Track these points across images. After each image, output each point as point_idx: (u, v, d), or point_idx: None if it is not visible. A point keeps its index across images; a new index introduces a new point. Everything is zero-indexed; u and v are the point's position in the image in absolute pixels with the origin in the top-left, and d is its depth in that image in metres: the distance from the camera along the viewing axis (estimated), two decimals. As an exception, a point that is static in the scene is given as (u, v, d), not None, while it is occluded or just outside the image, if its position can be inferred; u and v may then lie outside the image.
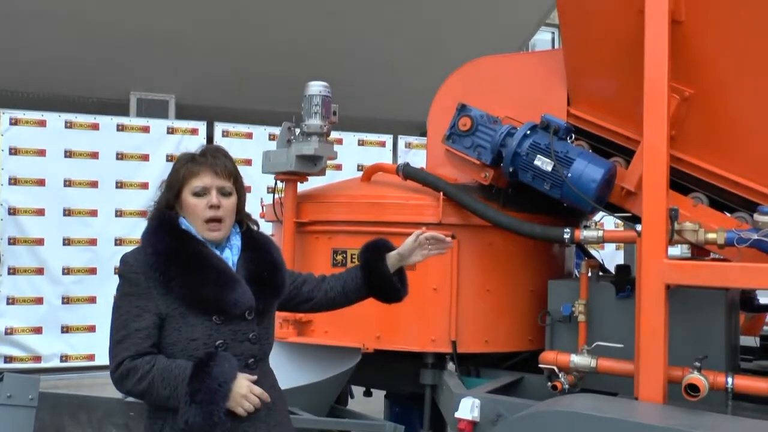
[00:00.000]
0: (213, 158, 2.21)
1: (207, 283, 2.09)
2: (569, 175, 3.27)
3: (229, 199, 2.20)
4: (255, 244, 2.30)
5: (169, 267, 2.07)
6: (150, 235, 2.13)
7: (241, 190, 2.27)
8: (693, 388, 2.79)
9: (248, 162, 7.80)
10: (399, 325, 3.79)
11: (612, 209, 3.43)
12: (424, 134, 4.83)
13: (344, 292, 2.51)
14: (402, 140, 9.23)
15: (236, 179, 2.24)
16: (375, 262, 2.50)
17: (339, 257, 3.82)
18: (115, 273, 8.17)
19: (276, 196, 4.12)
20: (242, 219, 2.32)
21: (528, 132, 3.46)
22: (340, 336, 3.83)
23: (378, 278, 2.50)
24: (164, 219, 2.16)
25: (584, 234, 3.36)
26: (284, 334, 3.82)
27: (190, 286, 2.07)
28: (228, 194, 2.20)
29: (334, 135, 6.81)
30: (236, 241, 2.26)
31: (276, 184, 4.08)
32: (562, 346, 3.49)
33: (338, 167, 8.27)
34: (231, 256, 2.22)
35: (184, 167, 2.19)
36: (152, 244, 2.10)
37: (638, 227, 2.95)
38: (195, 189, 2.17)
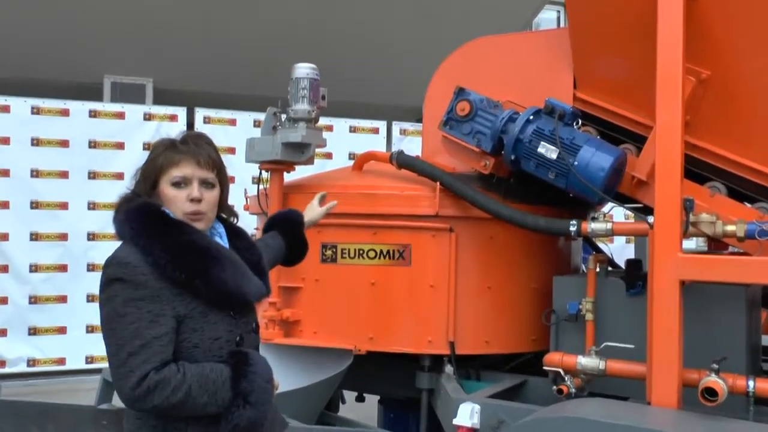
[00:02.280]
0: (195, 146, 2.17)
1: (228, 276, 2.09)
2: (576, 163, 3.26)
3: (212, 192, 2.18)
4: (238, 233, 2.33)
5: (188, 263, 2.03)
6: (145, 231, 2.05)
7: (224, 182, 2.25)
8: (710, 393, 2.78)
9: (231, 150, 7.78)
10: (393, 325, 3.79)
11: (622, 200, 3.42)
12: (419, 120, 4.82)
13: (276, 260, 2.78)
14: (396, 126, 9.21)
15: (220, 170, 2.22)
16: (297, 231, 2.88)
17: (329, 252, 3.82)
18: (90, 270, 8.09)
19: (261, 186, 4.11)
20: (224, 213, 2.32)
21: (531, 117, 3.45)
22: (330, 337, 3.83)
23: (297, 244, 2.87)
24: (152, 211, 2.11)
25: (592, 226, 3.36)
26: (270, 335, 3.82)
27: (216, 281, 2.05)
28: (211, 186, 2.18)
29: (323, 121, 6.80)
30: (221, 229, 2.27)
31: (261, 174, 4.07)
32: (569, 347, 3.49)
33: (328, 156, 8.24)
34: (223, 243, 2.23)
35: (162, 155, 2.15)
36: (156, 241, 2.03)
37: (650, 219, 2.95)
38: (174, 179, 2.13)
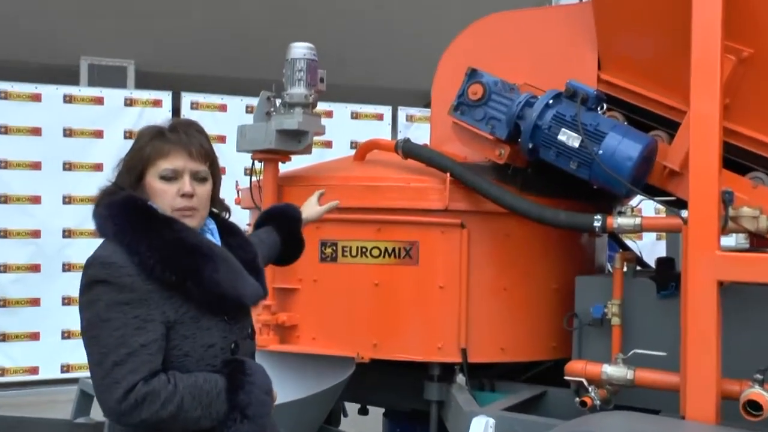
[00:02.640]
0: (186, 135, 2.16)
1: (222, 277, 2.08)
2: (600, 151, 3.25)
3: (204, 186, 2.17)
4: (230, 229, 2.33)
5: (179, 263, 2.02)
6: (131, 227, 2.03)
7: (217, 175, 2.24)
8: (754, 406, 2.76)
9: (221, 139, 7.77)
10: (399, 330, 3.78)
11: (652, 192, 3.40)
12: (428, 105, 4.81)
13: (269, 258, 2.80)
14: (402, 112, 9.21)
15: (213, 162, 2.21)
16: (294, 229, 2.91)
17: (328, 250, 3.81)
18: (65, 270, 8.12)
19: (254, 178, 4.11)
20: (216, 208, 2.31)
21: (551, 101, 3.44)
22: (330, 343, 3.82)
23: (293, 243, 2.91)
24: (138, 205, 2.09)
25: (618, 222, 3.34)
26: (264, 341, 3.81)
27: (209, 283, 2.05)
28: (203, 180, 2.17)
29: (322, 106, 6.80)
30: (212, 225, 2.27)
31: (253, 164, 4.07)
32: (593, 355, 3.48)
33: (327, 144, 8.25)
34: (215, 241, 2.23)
35: (149, 144, 2.13)
36: (143, 238, 2.01)
37: (684, 213, 2.93)
38: (163, 172, 2.11)
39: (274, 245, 2.80)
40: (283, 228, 2.86)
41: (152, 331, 1.96)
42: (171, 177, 2.11)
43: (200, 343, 2.05)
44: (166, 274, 1.99)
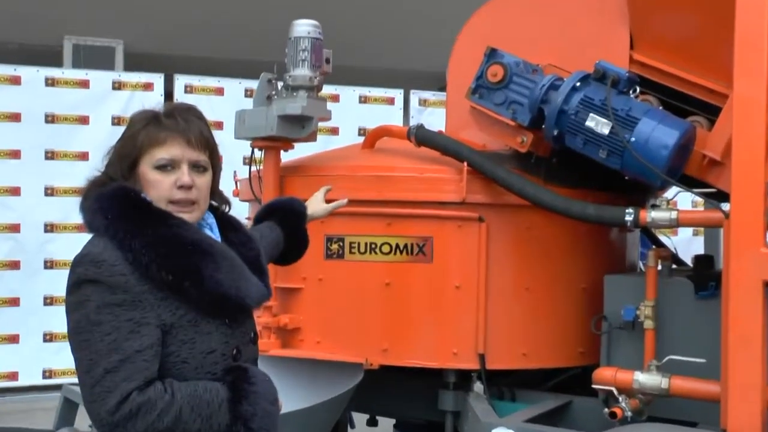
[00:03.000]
0: (185, 121, 2.15)
1: (224, 277, 2.08)
2: (633, 139, 3.24)
3: (204, 177, 2.17)
4: (231, 224, 2.33)
5: (176, 262, 2.01)
6: (123, 221, 2.03)
7: (217, 165, 2.24)
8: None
9: (218, 125, 7.73)
10: (412, 333, 3.78)
11: (689, 183, 3.40)
12: (443, 88, 4.80)
13: (271, 255, 2.79)
14: (415, 96, 9.19)
15: (213, 151, 2.21)
16: (298, 225, 2.91)
17: (334, 246, 3.81)
18: (47, 267, 8.14)
19: (253, 168, 4.12)
20: (216, 201, 2.31)
21: (578, 84, 3.44)
22: (336, 348, 3.83)
23: (297, 240, 2.92)
24: (131, 197, 2.09)
25: (652, 216, 3.34)
26: (265, 345, 3.81)
27: (209, 283, 2.04)
28: (203, 170, 2.16)
29: (328, 89, 6.79)
30: (211, 219, 2.27)
31: (253, 153, 4.07)
32: (623, 361, 3.49)
33: (333, 131, 8.25)
34: (215, 237, 2.23)
35: (144, 131, 2.12)
36: (137, 234, 2.01)
37: (725, 206, 2.92)
38: (159, 162, 2.10)
39: (277, 242, 2.80)
40: (287, 223, 2.86)
41: (147, 335, 1.96)
42: (167, 167, 2.11)
43: (199, 349, 2.05)
44: (162, 273, 1.99)
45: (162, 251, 2.00)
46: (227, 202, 2.37)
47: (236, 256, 2.18)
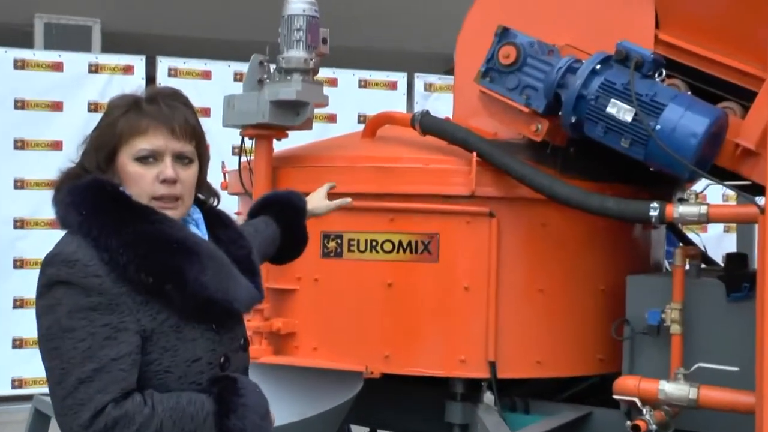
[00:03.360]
0: (168, 108, 2.14)
1: (210, 278, 2.07)
2: (658, 127, 3.24)
3: (190, 170, 2.16)
4: (220, 219, 2.33)
5: (157, 262, 2.00)
6: (99, 218, 2.02)
7: (204, 156, 2.24)
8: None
9: (205, 111, 7.72)
10: (416, 339, 3.79)
11: (720, 175, 3.40)
12: (450, 71, 4.80)
13: (266, 253, 2.81)
14: (419, 80, 9.19)
15: (200, 140, 2.20)
16: (297, 221, 2.92)
17: (332, 244, 3.81)
18: (16, 267, 8.13)
19: (243, 158, 4.12)
20: (203, 194, 2.31)
21: (598, 66, 3.44)
22: (334, 355, 3.83)
23: (295, 238, 2.93)
24: (108, 191, 2.08)
25: (679, 211, 3.33)
26: (256, 352, 3.81)
27: (194, 286, 2.03)
28: (188, 162, 2.16)
29: (325, 73, 6.77)
30: (197, 215, 2.26)
31: (243, 142, 4.08)
32: (647, 369, 3.49)
33: (331, 118, 8.25)
34: (201, 235, 2.22)
35: (123, 118, 2.11)
36: (114, 231, 2.00)
37: (760, 201, 2.91)
38: (140, 153, 2.09)
39: (272, 239, 2.80)
40: (284, 219, 2.86)
41: (125, 342, 1.95)
42: (149, 159, 2.10)
43: (183, 357, 2.04)
44: (142, 275, 1.98)
45: (141, 251, 1.99)
46: (216, 195, 2.37)
47: (224, 256, 2.18)
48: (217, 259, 2.13)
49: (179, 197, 2.13)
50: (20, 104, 7.97)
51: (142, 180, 2.09)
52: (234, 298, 2.13)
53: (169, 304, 2.02)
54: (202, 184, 2.27)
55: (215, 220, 2.31)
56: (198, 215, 2.26)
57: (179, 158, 2.13)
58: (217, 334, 2.12)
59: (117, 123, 2.11)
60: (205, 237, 2.23)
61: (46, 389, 2.02)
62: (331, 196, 3.15)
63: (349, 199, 3.17)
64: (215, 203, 2.37)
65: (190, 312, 2.05)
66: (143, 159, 2.10)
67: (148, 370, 2.00)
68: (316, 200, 3.08)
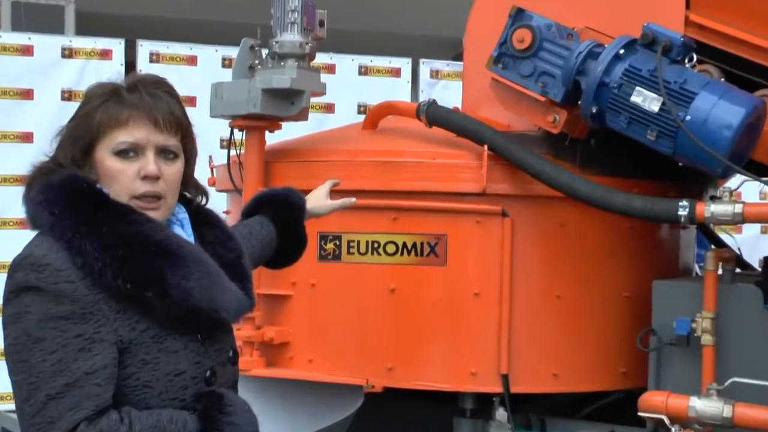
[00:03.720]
0: (151, 97, 2.12)
1: (195, 285, 2.06)
2: (688, 117, 3.24)
3: (174, 166, 2.14)
4: (207, 219, 2.32)
5: (136, 267, 1.99)
6: (73, 218, 2.01)
7: (190, 150, 2.23)
8: None
9: (190, 101, 7.73)
10: (421, 350, 3.80)
11: (758, 171, 3.40)
12: (459, 57, 4.80)
13: (261, 256, 2.82)
14: (425, 66, 9.18)
15: (186, 133, 2.19)
16: (295, 222, 2.91)
17: (330, 246, 3.82)
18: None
19: (233, 152, 4.13)
20: (189, 193, 2.29)
21: (622, 51, 3.44)
22: (331, 367, 3.84)
23: (292, 239, 2.92)
24: (83, 188, 2.06)
25: (712, 210, 3.32)
26: (246, 363, 3.81)
27: (176, 293, 2.02)
28: (173, 157, 2.14)
29: (322, 58, 6.77)
30: (183, 215, 2.25)
31: (232, 134, 4.09)
32: (676, 384, 3.49)
33: (328, 108, 8.23)
34: (186, 236, 2.21)
35: (101, 108, 2.10)
36: (89, 233, 1.99)
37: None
38: (120, 146, 2.07)
39: (268, 241, 2.80)
40: (281, 219, 2.85)
41: (100, 354, 1.94)
42: (129, 153, 2.08)
43: (164, 371, 2.03)
44: (119, 280, 1.96)
45: (119, 254, 1.98)
46: (204, 193, 2.35)
47: (211, 260, 2.17)
48: (202, 264, 2.12)
49: (162, 196, 2.11)
50: (-14, 92, 7.97)
51: (121, 176, 2.08)
52: (221, 306, 2.12)
53: (150, 313, 2.01)
54: (188, 181, 2.25)
55: (203, 220, 2.30)
56: (183, 215, 2.25)
57: (163, 152, 2.11)
58: (202, 346, 2.11)
59: (95, 113, 2.10)
60: (191, 239, 2.21)
61: (12, 406, 2.00)
62: (332, 194, 3.13)
63: (353, 199, 3.15)
64: (204, 202, 2.36)
65: (173, 321, 2.04)
66: (123, 153, 2.08)
67: (126, 385, 1.99)
68: (318, 199, 3.06)
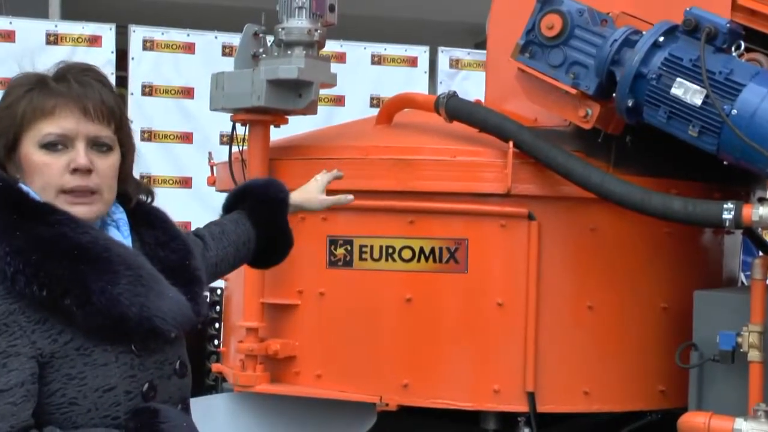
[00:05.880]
0: (80, 85, 2.12)
1: (124, 290, 2.04)
2: (734, 111, 3.23)
3: (108, 159, 2.14)
4: (149, 219, 2.31)
5: (54, 272, 1.98)
6: None
7: (127, 143, 2.23)
8: None
9: (187, 92, 7.79)
10: (440, 365, 3.80)
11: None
12: (481, 45, 4.80)
13: (237, 257, 2.79)
14: (444, 55, 9.21)
15: (120, 124, 2.19)
16: (275, 218, 2.85)
17: (340, 251, 3.82)
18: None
19: (235, 148, 4.13)
20: (128, 191, 2.28)
21: (661, 39, 3.43)
22: (341, 383, 3.84)
23: (275, 236, 2.87)
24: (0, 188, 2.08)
25: (760, 212, 3.32)
26: (248, 379, 3.84)
27: (100, 300, 2.01)
28: (106, 149, 2.14)
29: (332, 46, 6.78)
30: (119, 214, 2.24)
31: (234, 128, 4.09)
32: (720, 404, 3.48)
33: (339, 101, 8.26)
34: (122, 238, 2.20)
35: (25, 99, 2.10)
36: (4, 236, 2.00)
37: None
38: (46, 138, 2.08)
39: (243, 241, 2.78)
40: (259, 213, 2.83)
41: (15, 370, 1.94)
42: (57, 145, 2.08)
43: (92, 386, 2.02)
44: (34, 287, 1.96)
45: (33, 258, 1.98)
46: (149, 193, 2.36)
47: (147, 263, 2.16)
48: (134, 268, 2.10)
49: (95, 191, 2.11)
50: (-34, 81, 8.00)
51: (48, 170, 2.07)
52: (154, 313, 2.08)
53: (73, 323, 2.00)
54: (126, 178, 2.25)
55: (143, 220, 2.30)
56: (120, 215, 2.24)
57: (95, 145, 2.12)
58: (137, 358, 2.09)
59: (17, 105, 2.09)
60: (127, 241, 2.21)
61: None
62: (333, 192, 3.11)
63: (350, 197, 3.12)
64: (149, 201, 2.37)
65: (99, 331, 2.02)
66: (51, 145, 2.08)
67: (50, 403, 1.99)
68: (309, 192, 3.03)
